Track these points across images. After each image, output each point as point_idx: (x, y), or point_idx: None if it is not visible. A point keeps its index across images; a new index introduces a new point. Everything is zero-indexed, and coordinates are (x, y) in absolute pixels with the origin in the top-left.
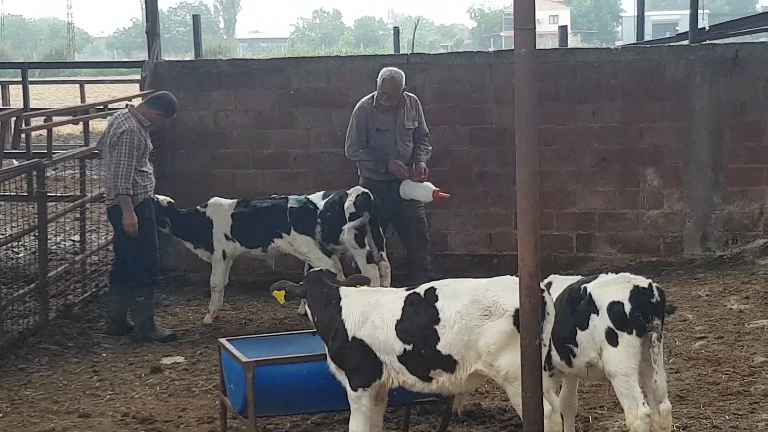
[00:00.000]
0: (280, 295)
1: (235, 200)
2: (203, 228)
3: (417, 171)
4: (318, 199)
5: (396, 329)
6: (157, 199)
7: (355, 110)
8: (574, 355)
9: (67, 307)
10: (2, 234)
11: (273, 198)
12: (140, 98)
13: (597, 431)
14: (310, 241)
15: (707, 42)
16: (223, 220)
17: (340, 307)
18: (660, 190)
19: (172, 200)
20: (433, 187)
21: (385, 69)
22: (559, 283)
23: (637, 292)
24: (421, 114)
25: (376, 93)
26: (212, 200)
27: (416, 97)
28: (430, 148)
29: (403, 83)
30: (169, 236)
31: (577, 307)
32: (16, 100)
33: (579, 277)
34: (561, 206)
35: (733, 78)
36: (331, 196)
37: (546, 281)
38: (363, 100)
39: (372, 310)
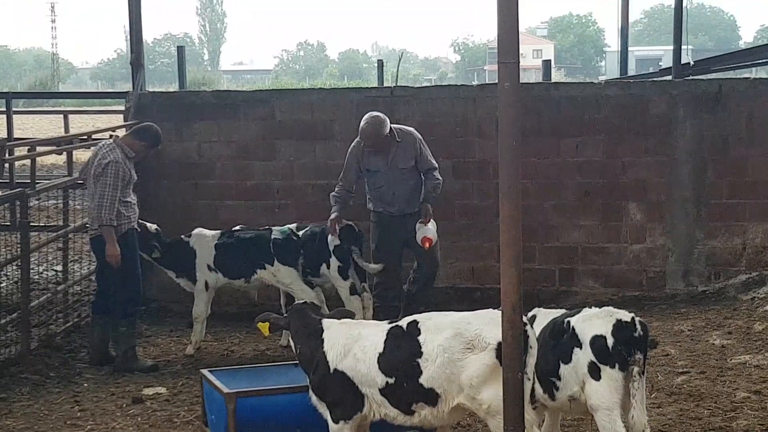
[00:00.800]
0: (264, 327)
1: (218, 231)
2: (187, 258)
3: (421, 213)
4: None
5: (378, 362)
6: (145, 225)
7: (349, 149)
8: (557, 389)
9: (49, 337)
10: None
11: (239, 229)
12: (124, 129)
13: None
14: (293, 273)
15: (690, 77)
16: (206, 251)
17: (322, 339)
18: (643, 224)
19: (158, 227)
20: (425, 235)
21: (365, 116)
22: (543, 317)
23: (620, 326)
24: (420, 149)
25: None
26: (196, 231)
27: (413, 132)
28: (437, 181)
29: (383, 129)
30: (152, 266)
31: (560, 341)
32: (0, 130)
33: (563, 311)
34: (544, 240)
35: (716, 113)
36: (307, 229)
37: (530, 314)
38: (356, 140)
39: (354, 343)
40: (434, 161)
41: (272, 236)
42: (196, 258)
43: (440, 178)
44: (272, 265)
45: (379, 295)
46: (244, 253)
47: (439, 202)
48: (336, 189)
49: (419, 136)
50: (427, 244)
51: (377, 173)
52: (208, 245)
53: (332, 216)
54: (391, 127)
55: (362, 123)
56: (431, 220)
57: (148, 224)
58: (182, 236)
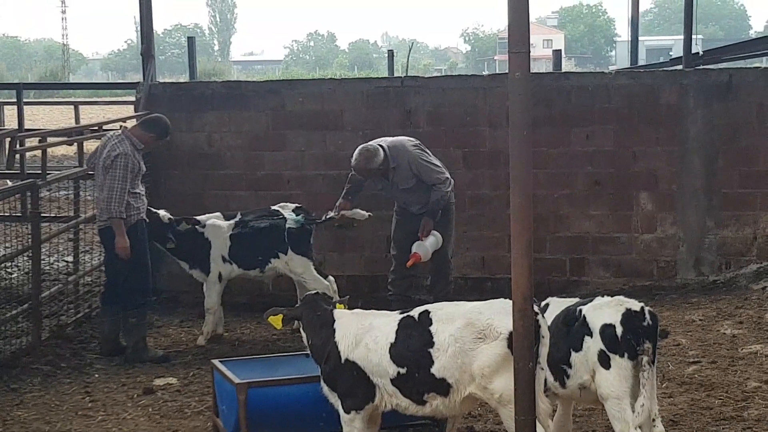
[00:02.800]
0: (276, 320)
1: (232, 221)
2: (201, 249)
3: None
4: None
5: (390, 352)
6: (157, 214)
7: None
8: (568, 377)
9: (60, 328)
10: None
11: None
12: (135, 120)
13: None
14: (307, 262)
15: (701, 67)
16: (221, 242)
17: (334, 330)
18: (653, 214)
19: (171, 217)
20: (414, 251)
21: (357, 149)
22: (556, 306)
23: (629, 315)
24: (420, 168)
25: None
26: (209, 221)
27: (407, 151)
28: (441, 194)
29: (372, 163)
30: (162, 256)
31: (571, 329)
32: (10, 121)
33: (576, 300)
34: (554, 230)
35: (726, 103)
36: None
37: (543, 303)
38: None
39: (365, 333)
40: (438, 174)
41: (286, 225)
42: (211, 249)
43: (446, 189)
44: (286, 254)
45: (393, 284)
46: (259, 243)
47: None
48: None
49: (415, 152)
50: (411, 261)
51: (383, 191)
52: (222, 236)
53: (338, 202)
54: (386, 151)
55: (353, 156)
56: (431, 233)
57: (161, 213)
58: (195, 226)
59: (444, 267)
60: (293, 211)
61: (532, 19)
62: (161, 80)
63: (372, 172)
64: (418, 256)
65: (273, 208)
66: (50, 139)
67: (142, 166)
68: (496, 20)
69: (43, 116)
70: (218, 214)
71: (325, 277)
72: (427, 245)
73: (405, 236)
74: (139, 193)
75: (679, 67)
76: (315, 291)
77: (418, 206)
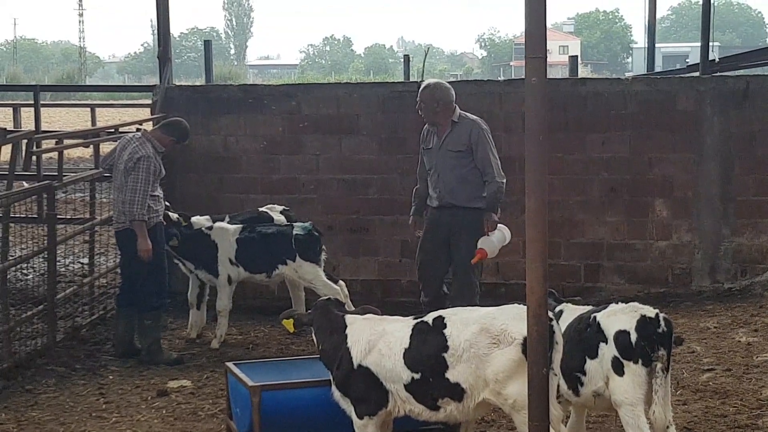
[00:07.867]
0: (289, 324)
1: (239, 225)
2: (208, 251)
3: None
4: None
5: (404, 357)
6: (167, 213)
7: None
8: (582, 384)
9: (75, 329)
10: (12, 255)
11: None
12: (151, 122)
13: None
14: (316, 269)
15: (718, 74)
16: (228, 245)
17: (346, 335)
18: (669, 221)
19: (179, 216)
20: (479, 246)
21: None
22: (570, 312)
23: (643, 322)
24: (478, 140)
25: None
26: (216, 224)
27: (476, 122)
28: (498, 185)
29: (436, 94)
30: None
31: (585, 336)
32: (27, 123)
33: (590, 307)
34: (569, 236)
35: (743, 110)
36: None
37: (557, 309)
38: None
39: (379, 339)
40: (494, 160)
41: (294, 232)
42: (218, 252)
43: (501, 180)
44: (294, 261)
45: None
46: (266, 249)
47: None
48: (417, 186)
49: (484, 127)
50: (476, 257)
51: (430, 151)
52: (229, 239)
53: (410, 221)
54: (456, 108)
55: (424, 84)
56: (497, 228)
57: (171, 213)
58: (202, 228)
59: (467, 282)
60: (281, 212)
61: (548, 25)
62: (177, 83)
63: (433, 101)
64: (484, 253)
65: (261, 209)
66: (66, 141)
67: (162, 169)
68: (513, 26)
69: (60, 118)
70: (207, 216)
71: (336, 282)
72: (494, 240)
73: (427, 237)
74: (157, 195)
75: (696, 74)
76: (327, 297)
77: (442, 189)
